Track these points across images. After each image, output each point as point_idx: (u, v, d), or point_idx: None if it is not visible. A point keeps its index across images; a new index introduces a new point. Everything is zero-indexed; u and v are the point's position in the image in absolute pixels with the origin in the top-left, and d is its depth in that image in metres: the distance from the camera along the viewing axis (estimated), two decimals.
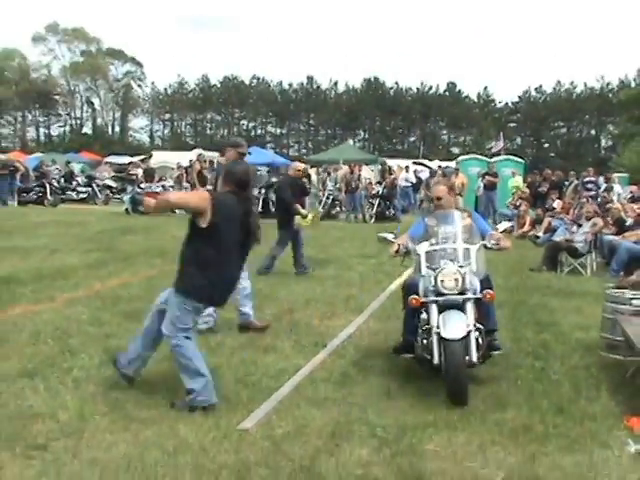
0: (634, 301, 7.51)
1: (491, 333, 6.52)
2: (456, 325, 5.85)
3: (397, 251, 6.90)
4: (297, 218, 12.12)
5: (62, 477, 4.30)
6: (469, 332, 5.84)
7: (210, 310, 7.35)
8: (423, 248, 6.44)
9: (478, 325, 6.05)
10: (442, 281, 6.03)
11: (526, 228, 20.53)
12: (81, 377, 6.17)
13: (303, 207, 12.50)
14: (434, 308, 6.01)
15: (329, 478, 4.39)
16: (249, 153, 8.85)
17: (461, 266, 6.16)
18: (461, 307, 6.01)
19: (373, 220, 25.18)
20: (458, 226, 6.61)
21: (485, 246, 6.60)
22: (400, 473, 4.47)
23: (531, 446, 4.96)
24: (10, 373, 6.23)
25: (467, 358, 5.87)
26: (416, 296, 6.15)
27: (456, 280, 6.02)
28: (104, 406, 5.48)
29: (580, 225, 15.25)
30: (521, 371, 6.78)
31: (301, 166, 13.71)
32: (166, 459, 4.56)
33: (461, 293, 6.04)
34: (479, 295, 6.07)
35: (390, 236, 7.19)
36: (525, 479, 4.44)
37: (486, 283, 6.44)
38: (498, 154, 33.40)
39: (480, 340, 6.06)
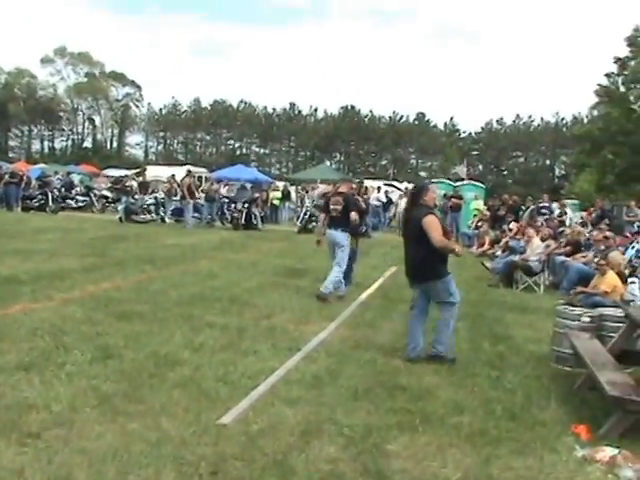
0: (582, 317, 7.57)
1: None
2: None
3: None
4: None
5: (53, 464, 4.20)
6: None
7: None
8: None
9: None
10: None
11: (485, 247, 20.62)
12: (74, 371, 6.05)
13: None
14: None
15: (299, 472, 4.33)
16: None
17: None
18: None
19: None
20: None
21: None
22: (365, 470, 4.42)
23: (486, 449, 4.93)
24: (8, 366, 6.10)
25: None
26: None
27: None
28: (94, 399, 5.38)
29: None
30: (478, 379, 6.75)
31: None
32: (149, 450, 4.48)
33: None
34: None
35: None
36: (480, 479, 4.42)
37: None
38: (462, 179, 33.65)
39: None
